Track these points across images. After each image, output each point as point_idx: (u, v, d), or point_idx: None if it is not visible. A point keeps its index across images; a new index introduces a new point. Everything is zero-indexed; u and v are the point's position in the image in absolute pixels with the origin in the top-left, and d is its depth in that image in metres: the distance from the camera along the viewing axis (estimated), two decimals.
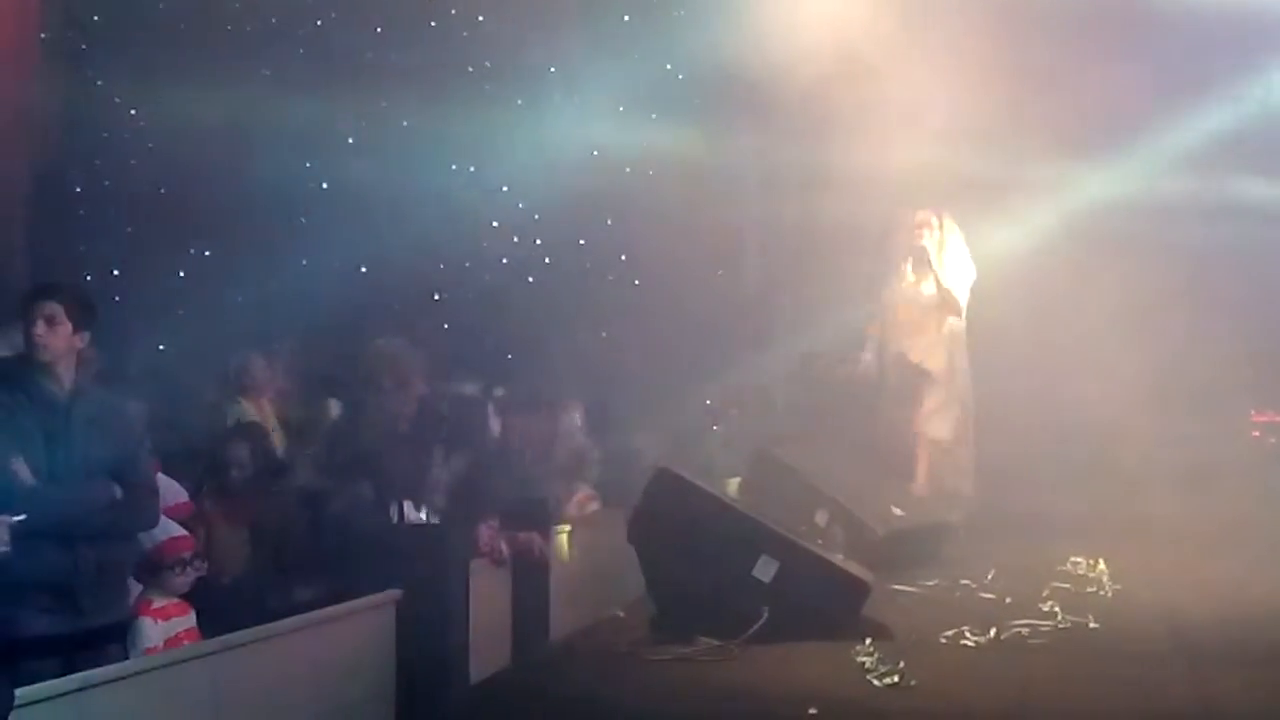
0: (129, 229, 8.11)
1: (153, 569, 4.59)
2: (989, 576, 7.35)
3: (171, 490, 5.16)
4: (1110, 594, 7.14)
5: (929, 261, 8.99)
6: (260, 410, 6.61)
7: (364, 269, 8.83)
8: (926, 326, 9.12)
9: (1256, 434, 10.16)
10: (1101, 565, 7.62)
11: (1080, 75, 9.10)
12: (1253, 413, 10.14)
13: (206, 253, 8.47)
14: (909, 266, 9.12)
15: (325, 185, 8.90)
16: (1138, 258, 9.30)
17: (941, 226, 9.05)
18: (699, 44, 9.57)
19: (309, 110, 8.75)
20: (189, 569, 4.70)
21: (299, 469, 6.00)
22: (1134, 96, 9.15)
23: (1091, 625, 6.36)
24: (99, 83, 7.95)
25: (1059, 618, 6.45)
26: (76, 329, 4.07)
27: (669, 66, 10.02)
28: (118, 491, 4.13)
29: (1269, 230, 9.38)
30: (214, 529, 5.37)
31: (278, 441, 6.34)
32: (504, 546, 6.07)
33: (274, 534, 5.52)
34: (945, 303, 9.02)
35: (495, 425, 7.22)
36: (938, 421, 9.05)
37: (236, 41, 8.57)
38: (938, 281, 9.01)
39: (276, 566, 5.38)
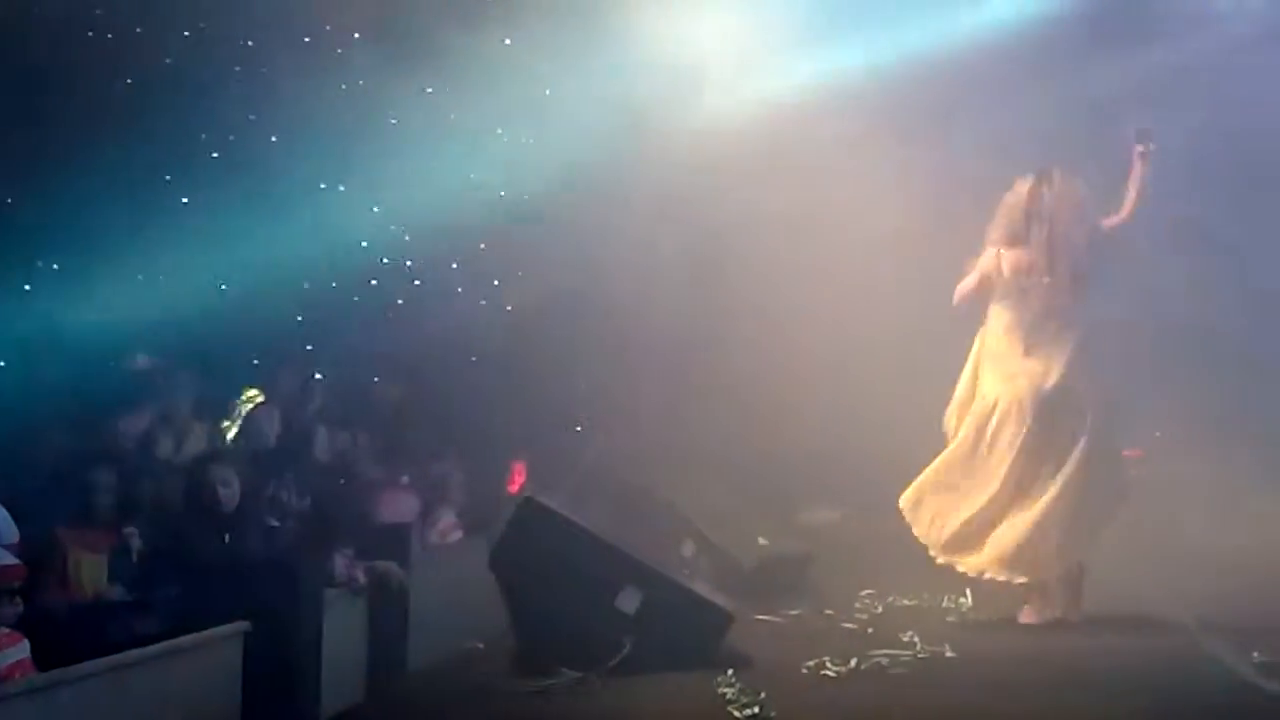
0: None
1: None
2: (861, 603, 7.46)
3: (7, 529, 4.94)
4: (968, 624, 7.28)
5: None
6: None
7: (224, 286, 8.54)
8: None
9: None
10: (965, 595, 7.77)
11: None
12: (1122, 451, 10.56)
13: (55, 266, 8.09)
14: None
15: (185, 200, 8.59)
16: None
17: None
18: (580, 69, 9.55)
19: (171, 122, 8.45)
20: (18, 598, 4.48)
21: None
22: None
23: (948, 655, 6.47)
24: None
25: (918, 647, 6.55)
26: None
27: (548, 92, 9.97)
28: None
29: (1143, 277, 9.84)
30: (72, 555, 5.15)
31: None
32: (360, 575, 5.91)
33: (135, 563, 5.30)
34: None
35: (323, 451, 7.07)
36: None
37: (95, 45, 8.22)
38: None
39: (136, 595, 5.14)
